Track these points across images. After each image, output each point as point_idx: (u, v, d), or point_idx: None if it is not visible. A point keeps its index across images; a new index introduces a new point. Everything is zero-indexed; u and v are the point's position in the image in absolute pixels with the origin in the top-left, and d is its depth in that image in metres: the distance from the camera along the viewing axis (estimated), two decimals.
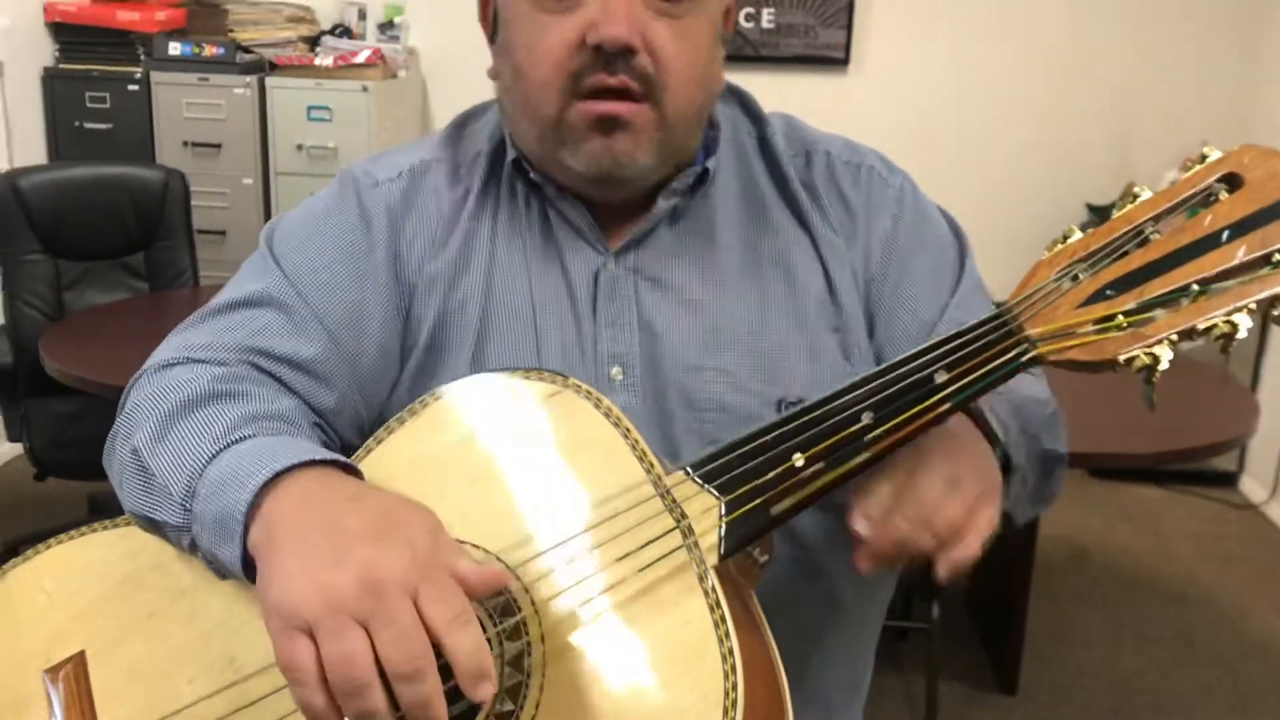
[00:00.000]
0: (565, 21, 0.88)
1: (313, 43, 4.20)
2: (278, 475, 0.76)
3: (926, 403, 0.77)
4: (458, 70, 4.20)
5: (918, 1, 4.11)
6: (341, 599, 0.68)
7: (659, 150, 0.92)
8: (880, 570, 0.81)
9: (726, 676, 0.71)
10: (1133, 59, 4.06)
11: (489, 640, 0.72)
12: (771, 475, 0.77)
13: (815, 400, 0.79)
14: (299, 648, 0.68)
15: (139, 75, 3.95)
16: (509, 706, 0.74)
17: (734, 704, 0.70)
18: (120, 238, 3.21)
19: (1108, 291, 0.74)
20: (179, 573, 0.85)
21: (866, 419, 0.77)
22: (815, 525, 0.94)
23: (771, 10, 4.12)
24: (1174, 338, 0.71)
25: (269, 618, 0.71)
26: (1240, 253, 0.71)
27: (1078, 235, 0.77)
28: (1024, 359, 0.75)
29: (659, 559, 0.75)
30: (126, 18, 3.96)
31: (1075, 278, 0.75)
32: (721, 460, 0.78)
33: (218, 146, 3.98)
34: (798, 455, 0.77)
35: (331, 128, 3.95)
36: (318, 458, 0.78)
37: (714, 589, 0.74)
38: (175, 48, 3.95)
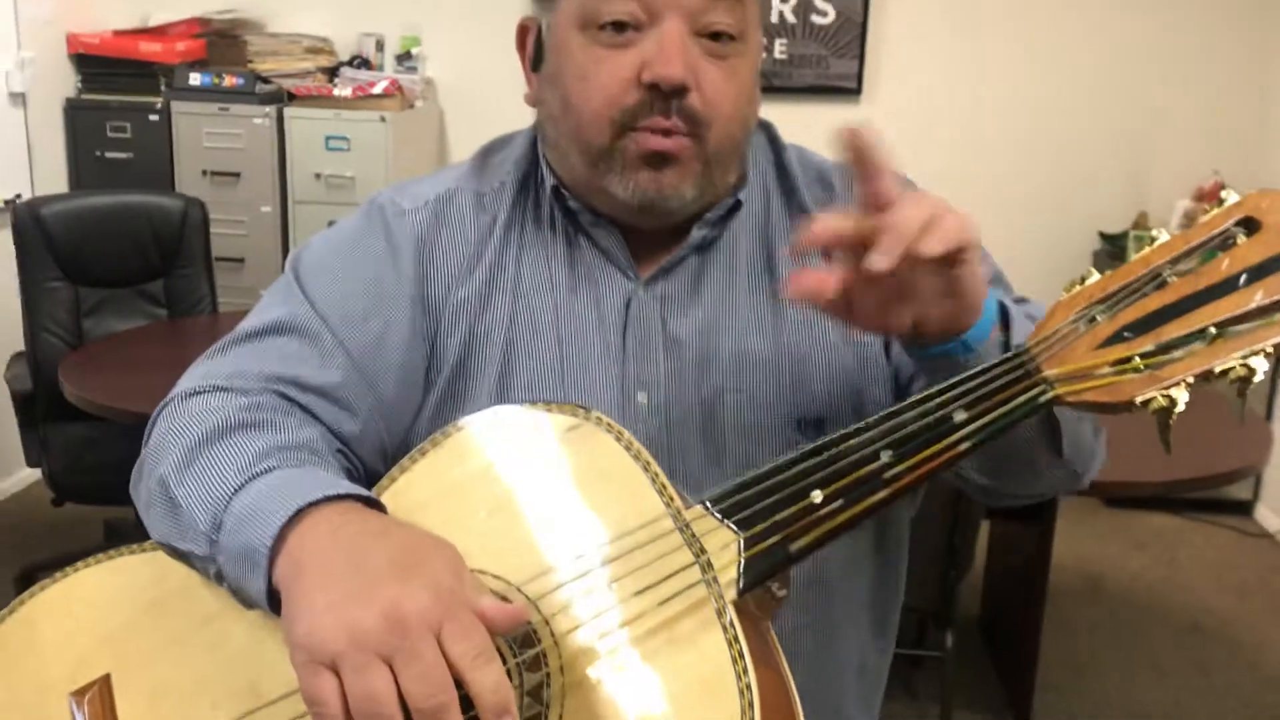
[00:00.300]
0: (620, 56, 0.90)
1: (331, 73, 4.24)
2: (302, 510, 0.77)
3: (945, 441, 0.77)
4: (474, 100, 4.24)
5: (929, 32, 4.14)
6: (366, 635, 0.69)
7: (701, 183, 0.94)
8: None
9: (744, 712, 0.71)
10: (1145, 89, 4.08)
11: (509, 671, 0.73)
12: (790, 512, 0.78)
13: (834, 436, 0.80)
14: (324, 683, 0.69)
15: (159, 105, 4.00)
16: None
17: None
18: (140, 265, 3.25)
19: (1125, 333, 0.74)
20: (204, 599, 0.86)
21: (886, 457, 0.78)
22: (831, 550, 0.95)
23: (784, 41, 4.15)
24: (1191, 380, 0.71)
25: (294, 652, 0.72)
26: (1258, 297, 0.71)
27: (1095, 277, 0.78)
28: (1042, 400, 0.76)
29: (678, 593, 0.76)
30: (148, 49, 4.01)
31: (1093, 319, 0.76)
32: (741, 495, 0.79)
33: (237, 175, 4.01)
34: (817, 492, 0.78)
35: (349, 157, 3.99)
36: (341, 492, 0.79)
37: (732, 624, 0.74)
38: (195, 78, 4.00)
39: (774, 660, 0.79)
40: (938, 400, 0.78)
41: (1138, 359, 0.73)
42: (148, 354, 2.89)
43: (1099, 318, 0.76)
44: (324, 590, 0.72)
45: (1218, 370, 0.71)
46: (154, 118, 4.00)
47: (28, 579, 0.90)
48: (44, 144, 3.94)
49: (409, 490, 0.85)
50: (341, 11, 4.31)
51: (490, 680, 0.69)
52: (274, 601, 0.77)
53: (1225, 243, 0.74)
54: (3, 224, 3.37)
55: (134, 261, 3.23)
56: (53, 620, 0.90)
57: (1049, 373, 0.76)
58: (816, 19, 4.13)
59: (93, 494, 2.97)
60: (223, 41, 4.14)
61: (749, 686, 0.72)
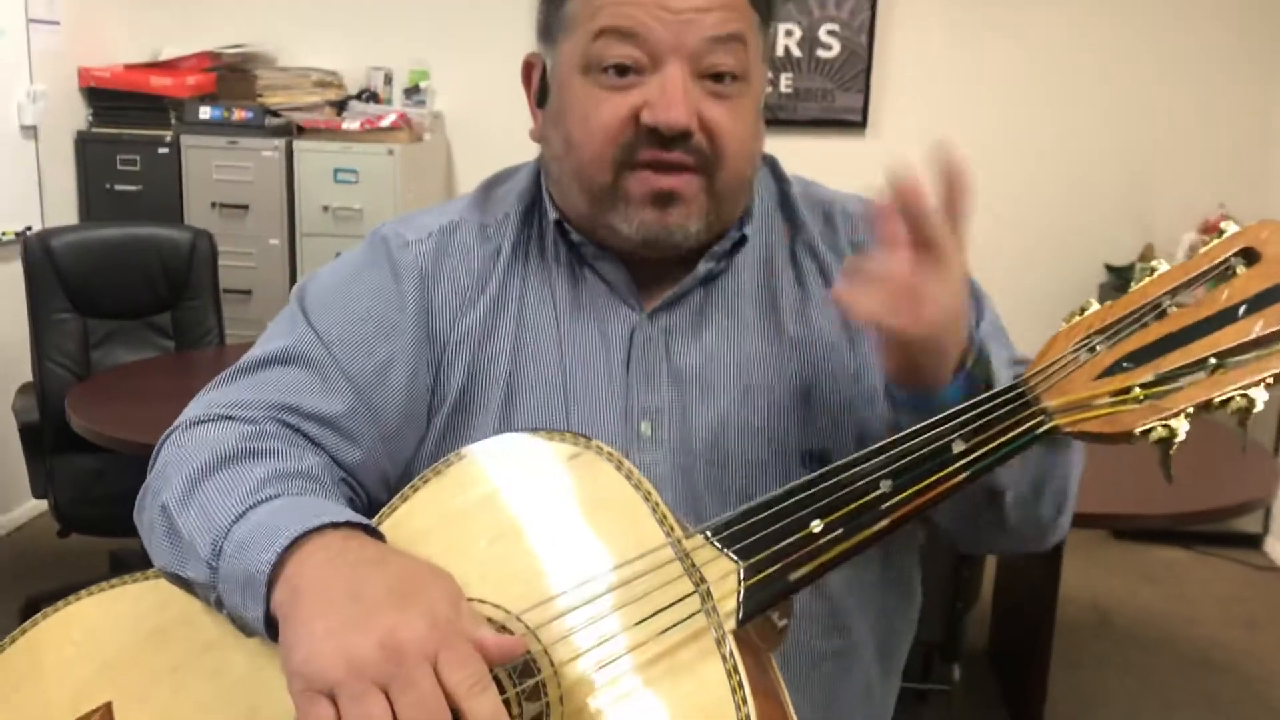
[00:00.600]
0: (622, 97, 0.91)
1: (340, 107, 4.27)
2: (301, 537, 0.78)
3: (944, 471, 0.77)
4: (482, 133, 4.27)
5: (935, 66, 4.16)
6: (363, 663, 0.70)
7: (708, 219, 0.95)
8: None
9: None
10: (1151, 122, 4.09)
11: (508, 700, 0.73)
12: (790, 541, 0.78)
13: (834, 466, 0.80)
14: (321, 711, 0.70)
15: (169, 138, 4.03)
16: None
17: None
18: (148, 297, 3.26)
19: (1125, 364, 0.75)
20: (205, 626, 0.86)
21: (885, 486, 0.78)
22: (838, 580, 0.94)
23: (789, 75, 4.18)
24: (1191, 411, 0.71)
25: (291, 680, 0.72)
26: (1257, 327, 0.71)
27: (1095, 307, 0.78)
28: (1041, 430, 0.76)
29: (678, 623, 0.76)
30: (159, 83, 4.05)
31: (1093, 349, 0.76)
32: (741, 525, 0.79)
33: (245, 208, 4.04)
34: (816, 521, 0.78)
35: (357, 189, 4.01)
36: (341, 519, 0.80)
37: (732, 654, 0.74)
38: (205, 112, 4.03)
39: (774, 690, 0.79)
40: (936, 430, 0.79)
41: (1138, 389, 0.73)
42: (155, 385, 2.90)
43: (1099, 348, 0.76)
44: (322, 618, 0.73)
45: (1218, 401, 0.71)
46: (164, 151, 4.03)
47: (32, 610, 0.90)
48: (54, 176, 3.97)
49: (410, 518, 0.85)
50: (351, 46, 4.35)
51: (486, 709, 0.69)
52: (272, 628, 0.77)
53: (1225, 273, 0.75)
54: (13, 255, 3.39)
55: (142, 293, 3.25)
56: (55, 648, 0.90)
57: (1048, 403, 0.76)
58: (822, 53, 4.16)
59: (98, 525, 2.97)
60: (233, 75, 4.18)
61: (748, 717, 0.72)
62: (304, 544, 0.78)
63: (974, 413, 0.78)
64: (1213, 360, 0.72)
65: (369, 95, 4.30)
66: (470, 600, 0.78)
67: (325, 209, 4.03)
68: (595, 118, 0.92)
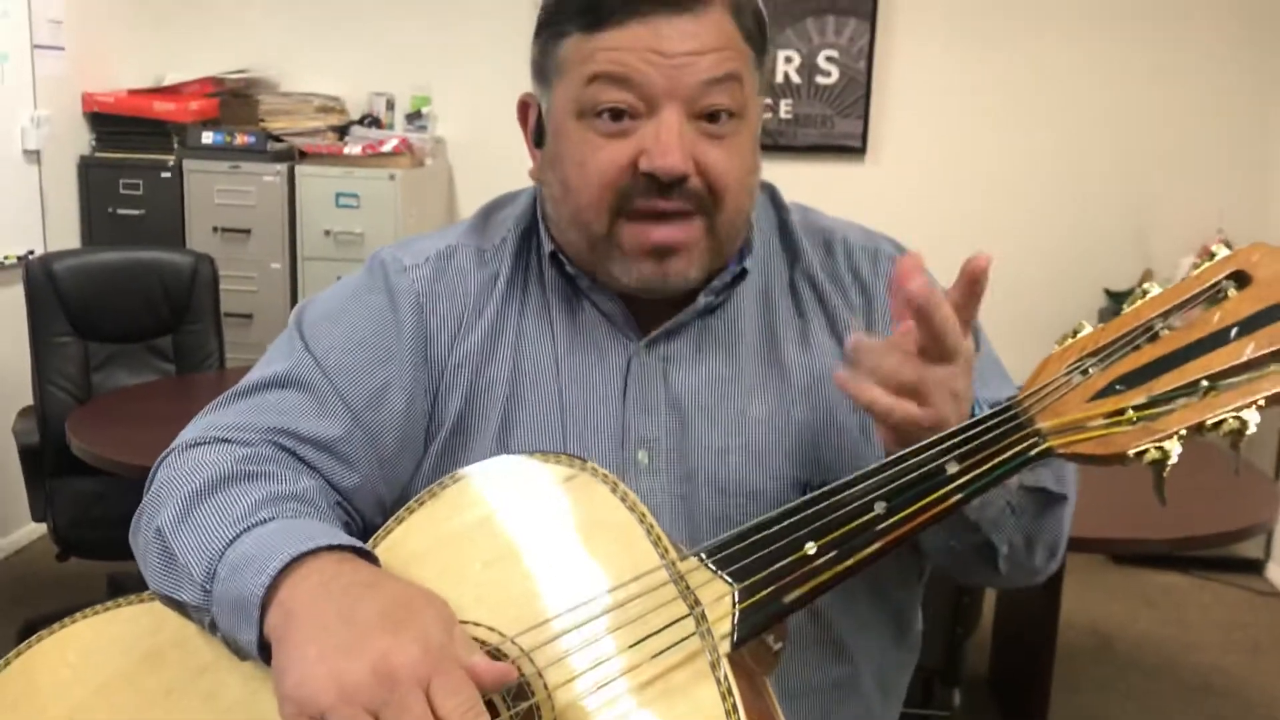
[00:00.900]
0: (618, 145, 0.91)
1: (342, 132, 4.29)
2: (295, 560, 0.78)
3: (938, 493, 0.78)
4: (484, 159, 4.28)
5: (934, 92, 4.18)
6: (355, 688, 0.70)
7: (709, 262, 0.95)
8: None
9: None
10: (1150, 147, 4.11)
11: None
12: (784, 563, 0.78)
13: (828, 488, 0.80)
14: None
15: (172, 163, 4.05)
16: None
17: None
18: (149, 321, 3.27)
19: (1118, 386, 0.75)
20: (200, 649, 0.86)
21: (879, 508, 0.78)
22: (836, 604, 0.94)
23: (789, 101, 4.20)
24: (1184, 433, 0.72)
25: (283, 704, 0.72)
26: (1249, 350, 0.72)
27: (1088, 329, 0.79)
28: (1034, 452, 0.76)
29: (672, 646, 0.76)
30: (162, 108, 4.07)
31: (1085, 372, 0.76)
32: (735, 547, 0.79)
33: (247, 232, 4.05)
34: (810, 544, 0.78)
35: (359, 214, 4.02)
36: (335, 543, 0.80)
37: (726, 677, 0.74)
38: (208, 136, 4.05)
39: (769, 713, 0.79)
40: (931, 453, 0.79)
41: (1130, 411, 0.74)
42: (155, 409, 2.90)
43: (1092, 370, 0.76)
44: (314, 642, 0.73)
45: (1210, 423, 0.71)
46: (166, 175, 4.05)
47: (30, 633, 0.91)
48: (57, 200, 3.99)
49: (406, 541, 0.85)
50: (353, 71, 4.37)
51: None
52: (266, 652, 0.77)
53: (1216, 296, 0.75)
54: (15, 279, 3.40)
55: (143, 317, 3.25)
56: (50, 670, 0.90)
57: (1041, 425, 0.77)
58: (821, 79, 4.18)
59: (98, 549, 2.96)
60: (235, 100, 4.20)
61: None
62: (298, 568, 0.78)
63: (968, 434, 0.78)
64: (1205, 382, 0.72)
65: (371, 120, 4.33)
66: (465, 623, 0.78)
67: (327, 233, 4.04)
68: (592, 164, 0.92)
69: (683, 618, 0.77)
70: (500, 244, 1.03)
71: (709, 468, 0.97)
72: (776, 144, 4.18)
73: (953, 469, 0.78)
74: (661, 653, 0.76)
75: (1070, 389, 0.76)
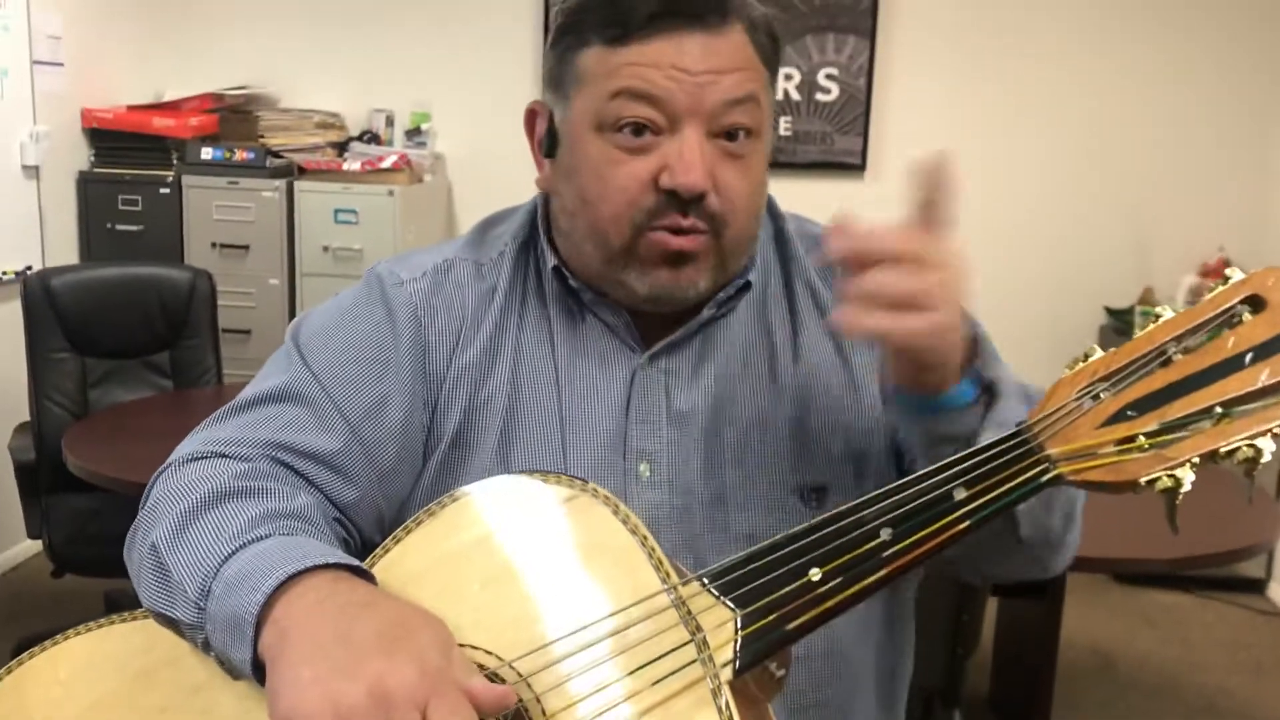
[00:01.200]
0: (639, 161, 0.91)
1: (341, 148, 4.30)
2: (290, 578, 0.77)
3: (945, 519, 0.77)
4: (483, 175, 4.28)
5: (933, 109, 4.19)
6: (351, 711, 0.69)
7: (716, 276, 0.96)
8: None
9: None
10: (1150, 165, 4.11)
11: None
12: (788, 590, 0.77)
13: (833, 513, 0.79)
14: None
15: (171, 179, 4.05)
16: None
17: None
18: (147, 337, 3.26)
19: (1129, 412, 0.74)
20: (193, 669, 0.85)
21: (885, 535, 0.77)
22: (840, 624, 0.94)
23: (789, 118, 4.21)
24: (1197, 460, 0.71)
25: None
26: (1264, 376, 0.71)
27: (1099, 353, 0.78)
28: (1044, 479, 0.76)
29: (673, 672, 0.75)
30: (161, 124, 4.07)
31: (1097, 397, 0.75)
32: (739, 572, 0.78)
33: (245, 248, 4.05)
34: (815, 570, 0.77)
35: (357, 230, 4.02)
36: (332, 561, 0.79)
37: (728, 705, 0.73)
38: (207, 152, 4.05)
39: None
40: (938, 478, 0.78)
41: (1142, 438, 0.73)
42: (152, 425, 2.89)
43: (1103, 395, 0.75)
44: (309, 664, 0.72)
45: (1224, 450, 0.70)
46: (165, 191, 4.05)
47: (24, 650, 0.90)
48: (56, 216, 3.99)
49: (403, 560, 0.84)
50: (353, 88, 4.38)
51: None
52: (259, 671, 0.76)
53: (1230, 320, 0.74)
54: (12, 295, 3.39)
55: (141, 333, 3.25)
56: (41, 688, 0.89)
57: (1052, 451, 0.76)
58: (821, 96, 4.19)
59: (93, 566, 2.95)
60: (235, 117, 4.20)
61: None
62: (293, 586, 0.77)
63: (976, 460, 0.77)
64: (1219, 409, 0.71)
65: (370, 136, 4.33)
66: (462, 646, 0.77)
67: (325, 249, 4.04)
68: (612, 179, 0.92)
69: (684, 644, 0.76)
70: (498, 258, 1.03)
71: (710, 479, 0.96)
72: (776, 161, 4.12)
73: (961, 495, 0.77)
74: (662, 679, 0.75)
75: (1081, 414, 0.75)
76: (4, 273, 3.70)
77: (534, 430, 0.98)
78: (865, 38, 4.13)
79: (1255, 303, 0.74)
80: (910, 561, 0.77)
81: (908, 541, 0.77)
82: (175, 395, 3.24)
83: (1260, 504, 2.61)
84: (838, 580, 0.77)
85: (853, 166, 4.21)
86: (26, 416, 3.13)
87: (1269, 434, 0.70)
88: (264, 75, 4.39)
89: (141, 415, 3.02)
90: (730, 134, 0.92)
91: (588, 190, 0.94)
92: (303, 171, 4.13)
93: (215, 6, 4.42)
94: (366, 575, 0.81)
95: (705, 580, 0.78)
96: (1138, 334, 0.77)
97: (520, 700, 0.76)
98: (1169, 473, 0.71)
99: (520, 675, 0.77)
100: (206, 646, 0.81)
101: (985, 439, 0.81)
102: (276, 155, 4.12)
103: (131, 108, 4.15)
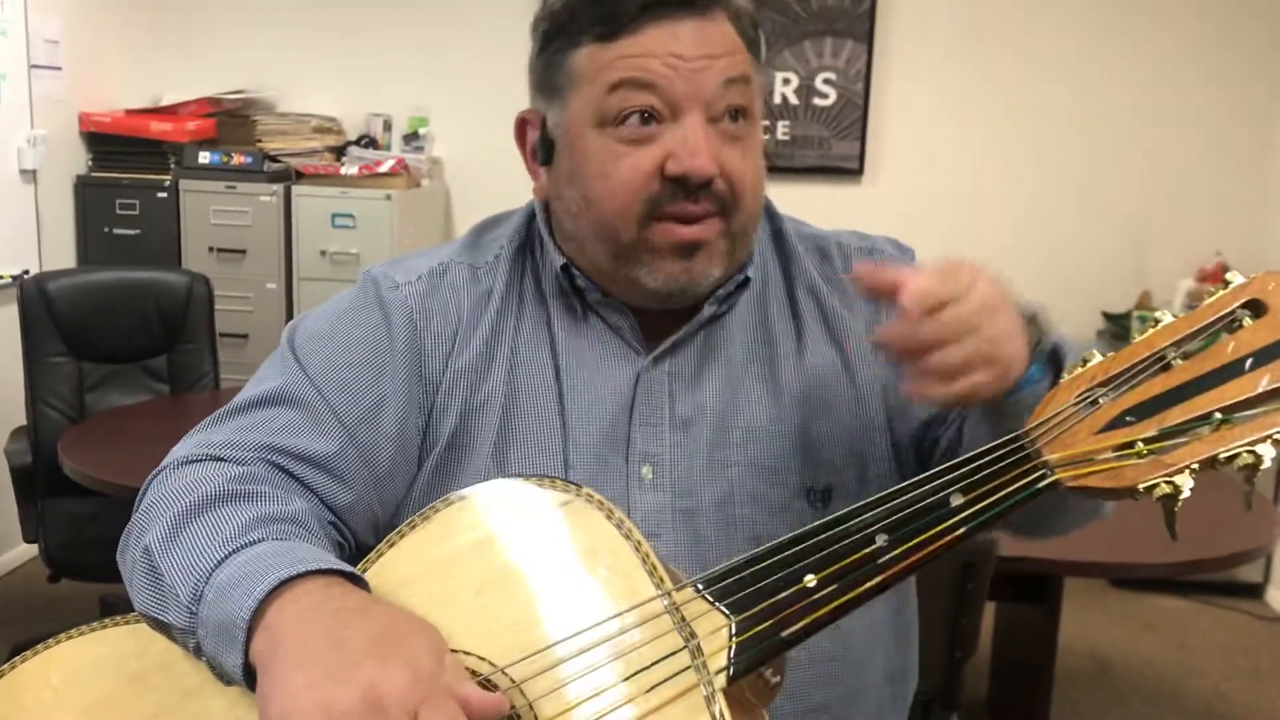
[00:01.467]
0: (641, 152, 0.91)
1: (339, 152, 4.29)
2: (283, 583, 0.76)
3: (941, 526, 0.76)
4: (480, 180, 4.28)
5: (930, 113, 4.19)
6: (343, 716, 0.68)
7: (727, 262, 0.96)
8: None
9: None
10: (1147, 168, 4.11)
11: None
12: (783, 596, 0.76)
13: (829, 519, 0.79)
14: None
15: (168, 183, 4.04)
16: None
17: None
18: (144, 341, 3.25)
19: (1128, 417, 0.73)
20: (186, 673, 0.85)
21: (880, 541, 0.77)
22: (847, 624, 0.93)
23: (786, 123, 4.21)
24: (1196, 467, 0.70)
25: None
26: (1264, 382, 0.70)
27: (1098, 358, 0.77)
28: (1042, 485, 0.75)
29: (666, 679, 0.74)
30: (159, 128, 4.07)
31: (1095, 402, 0.75)
32: (733, 578, 0.78)
33: (243, 252, 4.04)
34: (810, 576, 0.77)
35: (355, 234, 4.02)
36: (324, 566, 0.78)
37: (722, 713, 0.73)
38: (205, 156, 4.05)
39: None
40: (935, 484, 0.77)
41: (1141, 444, 0.72)
42: (148, 429, 2.89)
43: (1101, 400, 0.75)
44: (301, 669, 0.71)
45: (1224, 457, 0.69)
46: (163, 195, 4.05)
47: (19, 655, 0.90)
48: (53, 220, 3.98)
49: (395, 565, 0.84)
50: (350, 92, 4.38)
51: None
52: (251, 677, 0.76)
53: (1231, 325, 0.73)
54: (9, 299, 3.38)
55: (138, 337, 3.24)
56: (34, 692, 0.89)
57: (1049, 456, 0.75)
58: (818, 101, 4.19)
59: (89, 570, 2.94)
60: (233, 121, 4.20)
61: None
62: (285, 591, 0.76)
63: (973, 465, 0.77)
64: (1218, 415, 0.70)
65: (368, 141, 4.33)
66: (455, 652, 0.76)
67: (323, 254, 4.03)
68: (616, 173, 0.92)
69: (678, 650, 0.75)
70: (494, 261, 1.03)
71: (713, 481, 0.96)
72: (774, 165, 4.16)
73: (957, 501, 0.76)
74: (656, 686, 0.74)
75: (1079, 420, 0.75)
76: (1, 277, 3.69)
77: (532, 432, 0.97)
78: (863, 42, 4.13)
79: (1255, 307, 0.73)
80: (906, 568, 0.76)
81: (904, 548, 0.76)
82: (172, 400, 3.24)
83: (1258, 508, 2.61)
84: (833, 587, 0.76)
85: (850, 171, 4.21)
86: (23, 420, 3.13)
87: (1269, 440, 0.69)
88: (262, 79, 4.38)
89: (138, 420, 3.02)
90: (731, 117, 0.92)
91: (592, 188, 0.94)
92: (300, 176, 4.13)
93: (213, 11, 4.42)
94: (360, 581, 0.80)
95: (699, 586, 0.78)
96: (1136, 339, 0.76)
97: (513, 707, 0.75)
98: (1168, 479, 0.71)
99: (513, 681, 0.76)
100: (198, 651, 0.81)
101: None
102: (274, 159, 4.12)
103: (129, 112, 4.15)
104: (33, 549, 3.15)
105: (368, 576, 0.82)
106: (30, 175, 3.85)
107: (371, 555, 0.85)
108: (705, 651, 0.75)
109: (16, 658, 0.90)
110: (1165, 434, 0.72)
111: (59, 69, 3.95)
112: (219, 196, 4.03)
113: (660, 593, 0.77)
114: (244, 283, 4.03)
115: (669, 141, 0.91)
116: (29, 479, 3.00)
